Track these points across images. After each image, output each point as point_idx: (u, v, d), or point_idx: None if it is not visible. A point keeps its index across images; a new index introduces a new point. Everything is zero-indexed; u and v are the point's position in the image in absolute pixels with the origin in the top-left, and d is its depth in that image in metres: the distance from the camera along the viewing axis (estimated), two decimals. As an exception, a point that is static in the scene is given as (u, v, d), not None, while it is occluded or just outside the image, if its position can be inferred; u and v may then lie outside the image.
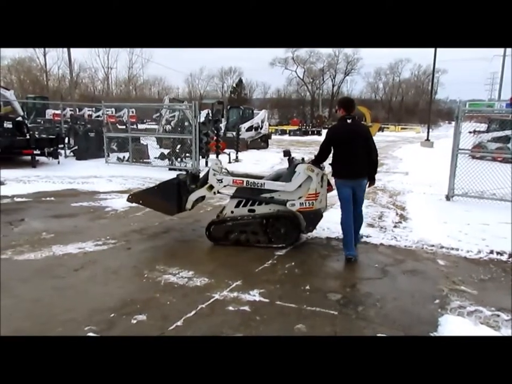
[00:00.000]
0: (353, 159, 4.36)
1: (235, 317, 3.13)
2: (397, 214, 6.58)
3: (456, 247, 4.87)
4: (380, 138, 33.76)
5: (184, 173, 5.33)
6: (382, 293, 3.63)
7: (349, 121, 4.41)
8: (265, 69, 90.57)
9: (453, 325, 2.97)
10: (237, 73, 62.92)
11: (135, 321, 3.00)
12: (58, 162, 11.21)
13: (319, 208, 4.73)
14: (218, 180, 4.84)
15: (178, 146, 11.79)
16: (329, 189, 4.91)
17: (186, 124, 12.36)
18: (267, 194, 4.76)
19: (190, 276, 3.89)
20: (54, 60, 60.68)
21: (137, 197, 5.12)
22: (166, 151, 12.22)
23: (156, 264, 4.15)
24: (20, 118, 12.74)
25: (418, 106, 60.30)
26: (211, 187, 4.89)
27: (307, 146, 21.54)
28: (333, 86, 63.30)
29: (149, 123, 27.76)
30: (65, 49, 25.27)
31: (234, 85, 62.13)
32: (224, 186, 4.89)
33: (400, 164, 14.27)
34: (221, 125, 16.14)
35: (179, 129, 12.71)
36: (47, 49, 44.96)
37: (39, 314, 3.10)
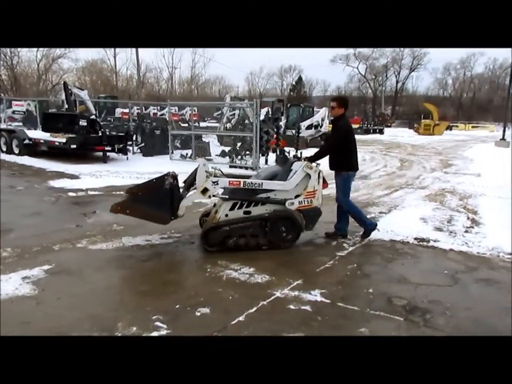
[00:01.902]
0: (356, 153, 4.98)
1: (296, 316, 3.11)
2: (468, 218, 6.17)
3: (537, 256, 4.47)
4: (448, 137, 31.99)
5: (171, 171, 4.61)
6: (452, 301, 3.41)
7: (347, 119, 5.04)
8: (325, 65, 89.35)
9: (535, 341, 2.72)
10: (297, 71, 62.70)
11: (199, 314, 3.09)
12: (127, 159, 11.85)
13: (317, 206, 4.68)
14: (214, 182, 4.42)
15: (239, 144, 11.96)
16: (325, 185, 4.81)
17: (246, 122, 12.52)
18: (263, 195, 4.57)
19: (251, 272, 3.92)
20: (123, 61, 64.41)
21: (123, 207, 4.41)
22: (227, 149, 12.46)
23: (218, 259, 4.23)
24: (93, 117, 13.63)
25: (492, 103, 56.11)
26: (205, 190, 4.42)
27: (368, 145, 20.92)
28: (397, 82, 60.89)
29: (210, 121, 28.44)
30: (134, 51, 26.65)
31: (293, 83, 61.87)
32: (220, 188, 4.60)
33: (471, 164, 13.39)
34: (280, 123, 16.14)
35: (240, 127, 12.89)
36: (117, 51, 47.72)
37: (111, 301, 3.29)
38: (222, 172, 4.89)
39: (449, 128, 41.16)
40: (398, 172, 11.64)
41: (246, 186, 4.50)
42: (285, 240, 4.60)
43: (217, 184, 4.46)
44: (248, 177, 4.82)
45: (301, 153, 5.21)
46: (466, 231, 5.46)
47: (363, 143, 22.94)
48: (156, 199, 4.30)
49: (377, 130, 34.87)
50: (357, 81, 61.39)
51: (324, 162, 4.89)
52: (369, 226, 5.06)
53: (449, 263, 4.35)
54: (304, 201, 4.60)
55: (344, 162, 4.89)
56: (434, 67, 69.97)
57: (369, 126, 36.12)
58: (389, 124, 43.20)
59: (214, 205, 4.98)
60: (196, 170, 4.57)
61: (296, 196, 4.59)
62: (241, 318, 3.04)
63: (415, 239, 5.08)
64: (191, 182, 4.67)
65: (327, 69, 70.32)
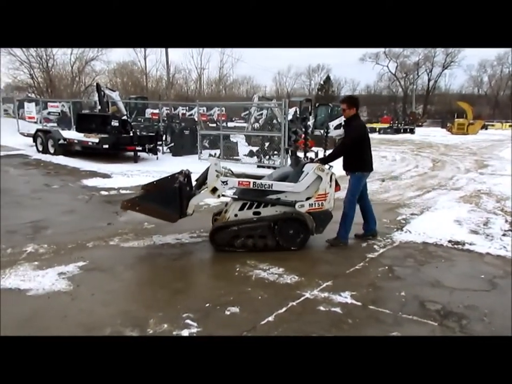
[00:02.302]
0: (370, 153, 4.83)
1: (326, 318, 3.07)
2: (506, 221, 5.92)
3: None
4: (483, 136, 30.84)
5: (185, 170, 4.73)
6: (490, 307, 3.28)
7: (360, 119, 4.91)
8: (354, 64, 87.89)
9: None
10: (325, 70, 62.14)
11: (228, 313, 3.10)
12: (157, 158, 12.06)
13: (328, 209, 4.56)
14: (223, 182, 4.41)
15: (267, 144, 11.95)
16: (337, 188, 4.67)
17: (274, 121, 12.50)
18: (273, 196, 4.49)
19: (280, 272, 3.90)
20: (153, 62, 65.72)
21: (132, 203, 4.47)
22: (255, 149, 12.48)
23: (247, 259, 4.23)
24: (124, 117, 13.94)
25: (531, 101, 53.62)
26: (215, 190, 4.42)
27: (399, 145, 20.46)
28: (429, 80, 59.14)
29: (237, 121, 28.59)
30: (163, 52, 26.98)
31: (322, 82, 61.31)
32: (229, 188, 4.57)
33: (508, 165, 12.83)
34: (308, 123, 16.01)
35: (268, 127, 12.88)
36: (147, 53, 48.73)
37: (142, 298, 3.35)
38: (232, 171, 4.88)
39: (484, 127, 39.73)
40: (430, 172, 11.32)
41: (256, 187, 4.46)
42: (293, 242, 4.52)
43: (227, 184, 4.45)
44: (260, 177, 4.80)
45: (316, 154, 5.08)
46: (504, 235, 5.23)
47: (393, 143, 22.48)
48: (165, 197, 4.35)
49: (408, 130, 34.06)
50: (387, 79, 60.20)
51: (338, 166, 4.78)
52: (343, 238, 4.77)
53: (486, 267, 4.18)
54: (315, 203, 4.50)
55: (358, 162, 4.74)
56: (469, 64, 67.72)
57: (399, 125, 35.35)
58: (420, 123, 42.14)
59: (226, 205, 5.00)
60: (207, 169, 4.59)
61: (307, 198, 4.50)
62: (270, 318, 3.02)
63: (449, 241, 4.92)
64: (202, 181, 4.70)
65: (356, 67, 69.50)
